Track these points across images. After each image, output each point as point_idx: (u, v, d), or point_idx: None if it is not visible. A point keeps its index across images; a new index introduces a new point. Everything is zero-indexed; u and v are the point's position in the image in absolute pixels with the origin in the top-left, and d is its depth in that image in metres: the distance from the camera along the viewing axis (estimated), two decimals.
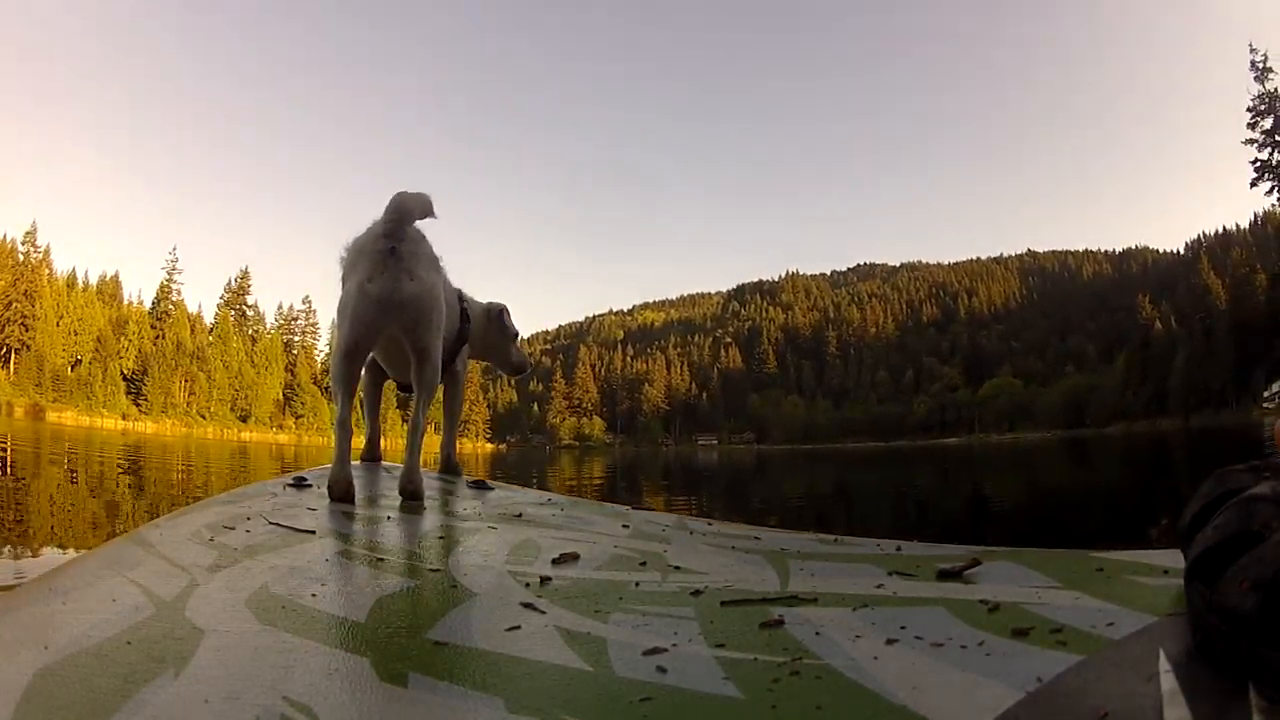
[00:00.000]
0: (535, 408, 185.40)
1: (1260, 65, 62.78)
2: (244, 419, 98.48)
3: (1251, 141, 62.33)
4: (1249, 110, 62.50)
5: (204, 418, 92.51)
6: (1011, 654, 0.94)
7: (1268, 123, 61.77)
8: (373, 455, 3.36)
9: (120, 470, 13.44)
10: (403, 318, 2.53)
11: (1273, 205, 65.01)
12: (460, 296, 3.20)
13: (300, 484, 2.63)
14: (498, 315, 3.42)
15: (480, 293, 3.42)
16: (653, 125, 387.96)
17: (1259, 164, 62.09)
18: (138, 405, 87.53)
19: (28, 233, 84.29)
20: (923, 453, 45.94)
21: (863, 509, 10.31)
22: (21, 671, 1.00)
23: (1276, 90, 61.83)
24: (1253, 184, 62.78)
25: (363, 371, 2.90)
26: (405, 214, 2.49)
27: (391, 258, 2.46)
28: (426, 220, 2.61)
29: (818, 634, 1.10)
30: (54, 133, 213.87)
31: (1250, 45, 64.38)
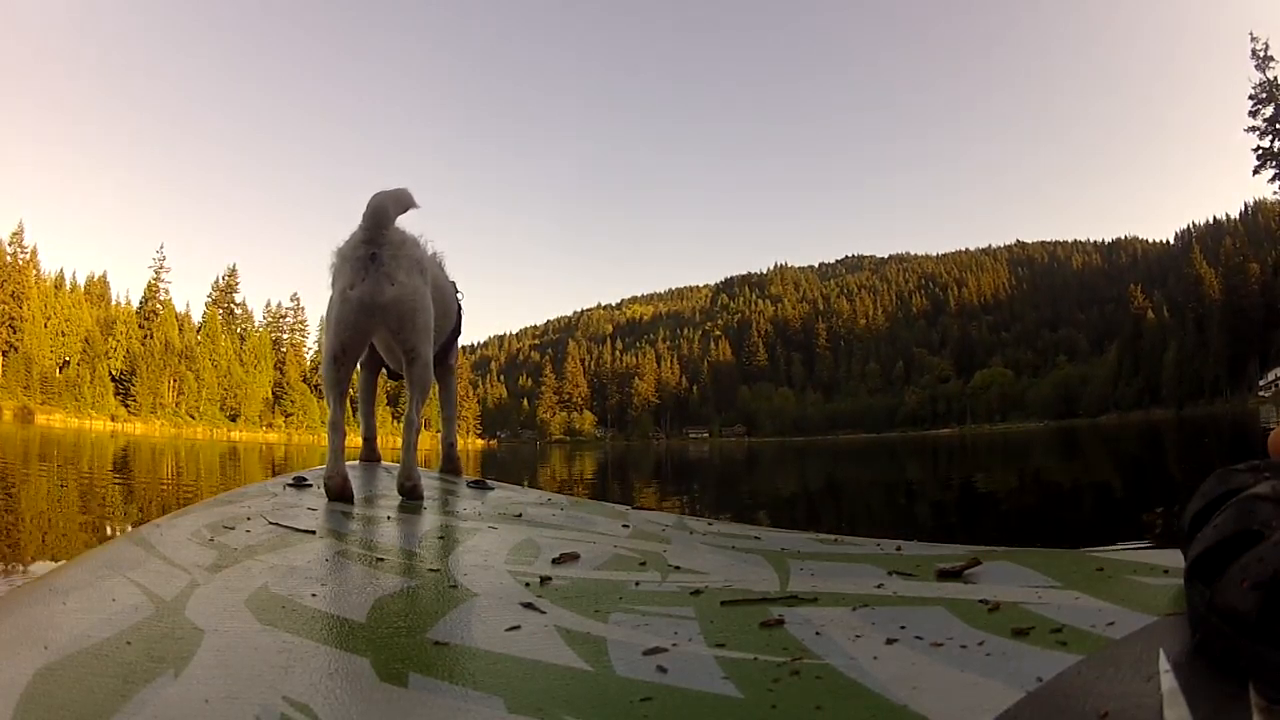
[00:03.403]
0: (525, 403, 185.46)
1: (1261, 54, 62.98)
2: (233, 418, 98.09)
3: (1253, 129, 62.60)
4: (1250, 98, 62.80)
5: (193, 417, 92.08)
6: (1011, 654, 0.94)
7: (1269, 111, 61.96)
8: (371, 455, 3.38)
9: (116, 478, 13.35)
10: (387, 321, 2.57)
11: (1275, 192, 65.16)
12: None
13: (300, 484, 2.63)
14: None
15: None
16: (640, 120, 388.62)
17: (1261, 152, 62.28)
18: (126, 406, 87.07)
19: (14, 233, 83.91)
20: (914, 444, 46.01)
21: (855, 503, 10.33)
22: (21, 671, 1.00)
23: (1277, 79, 61.97)
24: (1255, 172, 63.07)
25: (357, 370, 2.93)
26: (383, 217, 2.54)
27: (372, 263, 2.50)
28: (409, 212, 2.67)
29: (818, 634, 1.10)
30: (40, 132, 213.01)
31: (1251, 34, 64.68)
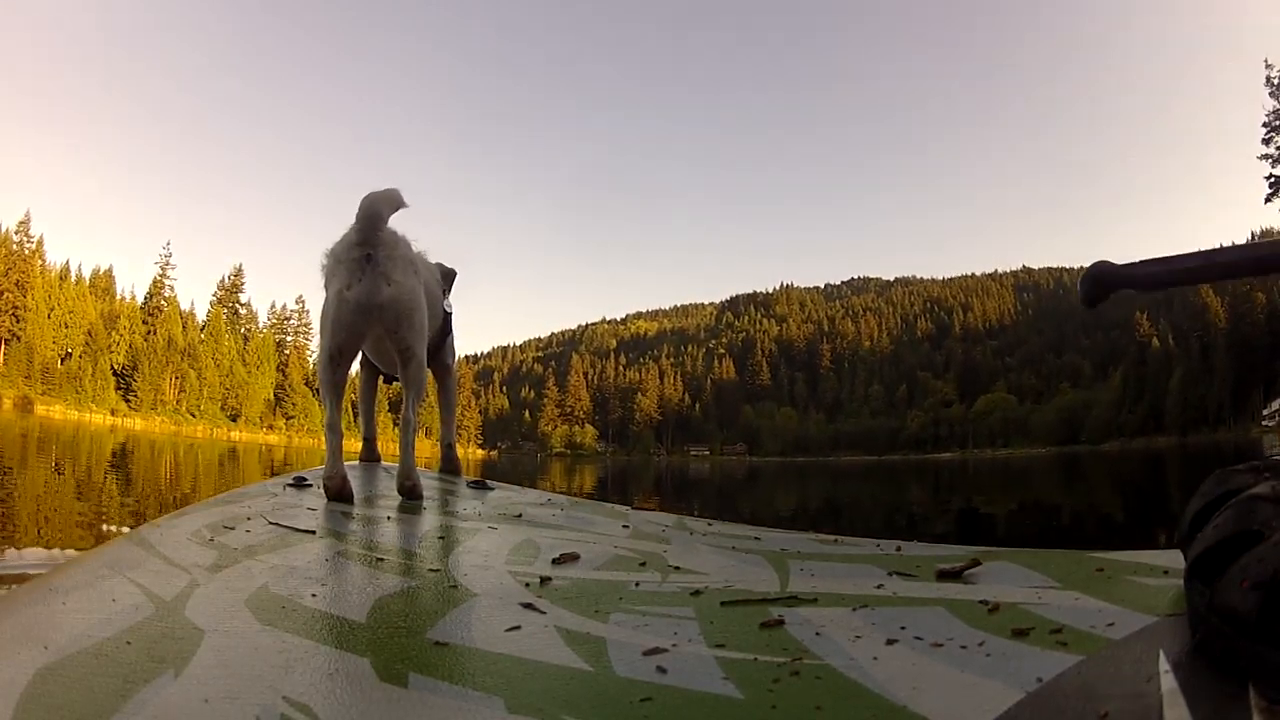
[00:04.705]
0: (527, 415, 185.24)
1: (1276, 81, 62.78)
2: (234, 418, 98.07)
3: (1266, 157, 62.24)
4: (1264, 125, 62.26)
5: (194, 415, 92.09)
6: (1011, 654, 0.94)
7: None
8: (371, 455, 3.39)
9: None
10: (384, 320, 2.58)
11: None
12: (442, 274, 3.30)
13: (300, 484, 2.65)
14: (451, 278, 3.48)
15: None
16: (649, 135, 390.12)
17: (1274, 179, 62.10)
18: (127, 401, 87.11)
19: (21, 223, 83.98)
20: (916, 467, 45.81)
21: (854, 524, 10.28)
22: (21, 671, 1.00)
23: None
24: (1267, 200, 62.67)
25: (357, 372, 2.94)
26: (376, 217, 2.54)
27: (368, 264, 2.52)
28: (400, 211, 2.65)
29: (818, 634, 1.10)
30: (50, 125, 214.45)
31: (1265, 61, 64.35)
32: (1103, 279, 1.10)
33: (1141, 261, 1.08)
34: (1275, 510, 0.72)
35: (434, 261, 3.26)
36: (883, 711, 0.85)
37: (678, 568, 1.62)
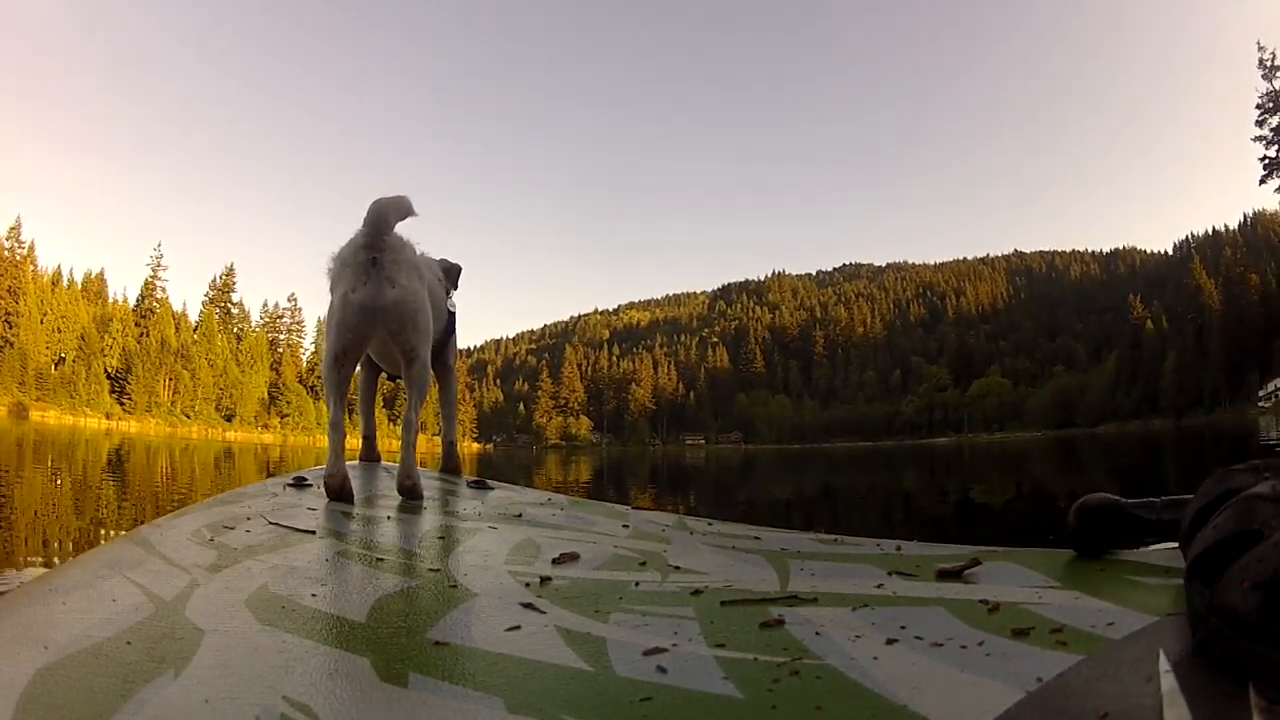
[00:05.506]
0: (521, 407, 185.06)
1: (1268, 63, 63.10)
2: (229, 418, 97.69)
3: (1260, 139, 62.68)
4: (1257, 107, 62.88)
5: (188, 417, 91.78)
6: (1011, 654, 0.95)
7: (1276, 120, 62.11)
8: (370, 453, 3.40)
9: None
10: (387, 323, 2.61)
11: None
12: (445, 272, 3.32)
13: (300, 484, 2.65)
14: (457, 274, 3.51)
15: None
16: (641, 129, 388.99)
17: (1268, 161, 62.35)
18: (122, 404, 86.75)
19: (11, 228, 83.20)
20: (911, 453, 45.81)
21: (850, 513, 10.29)
22: (21, 671, 1.00)
23: None
24: (1261, 181, 63.12)
25: (357, 371, 2.96)
26: (383, 223, 2.57)
27: (373, 268, 2.55)
28: (408, 220, 2.69)
29: (818, 634, 1.10)
30: (40, 128, 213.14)
31: (1258, 43, 64.76)
32: (1104, 518, 1.01)
33: (1164, 502, 0.99)
34: (1275, 510, 0.72)
35: (437, 258, 3.26)
36: (883, 711, 0.86)
37: (678, 567, 1.62)
